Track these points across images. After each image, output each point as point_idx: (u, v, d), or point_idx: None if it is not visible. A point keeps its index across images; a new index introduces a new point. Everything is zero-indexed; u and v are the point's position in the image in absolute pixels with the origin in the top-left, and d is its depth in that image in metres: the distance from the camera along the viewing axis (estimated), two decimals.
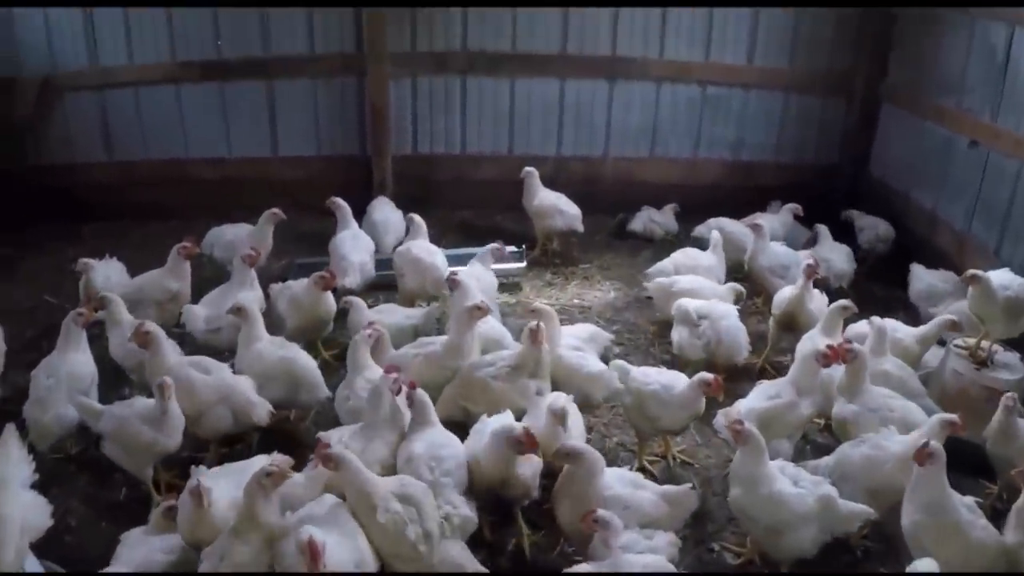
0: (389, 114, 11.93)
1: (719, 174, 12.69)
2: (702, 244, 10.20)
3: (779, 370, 8.31)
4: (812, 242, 10.61)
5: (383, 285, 9.60)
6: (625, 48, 11.97)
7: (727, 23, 11.96)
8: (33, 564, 5.17)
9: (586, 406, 7.05)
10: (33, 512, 5.04)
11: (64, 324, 7.14)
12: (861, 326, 7.76)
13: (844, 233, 10.82)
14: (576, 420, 6.49)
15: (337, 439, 5.92)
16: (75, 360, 7.04)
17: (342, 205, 9.76)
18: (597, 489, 5.58)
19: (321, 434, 6.06)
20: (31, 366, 7.21)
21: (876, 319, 7.53)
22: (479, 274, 8.75)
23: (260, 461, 5.68)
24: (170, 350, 6.87)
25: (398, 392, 6.20)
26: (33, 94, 11.80)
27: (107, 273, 8.81)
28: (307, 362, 7.15)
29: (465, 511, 5.56)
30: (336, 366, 8.13)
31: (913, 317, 8.93)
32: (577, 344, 7.48)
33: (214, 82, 11.92)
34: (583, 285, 10.42)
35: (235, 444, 7.10)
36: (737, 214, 10.87)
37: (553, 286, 10.37)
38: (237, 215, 10.50)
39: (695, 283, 8.92)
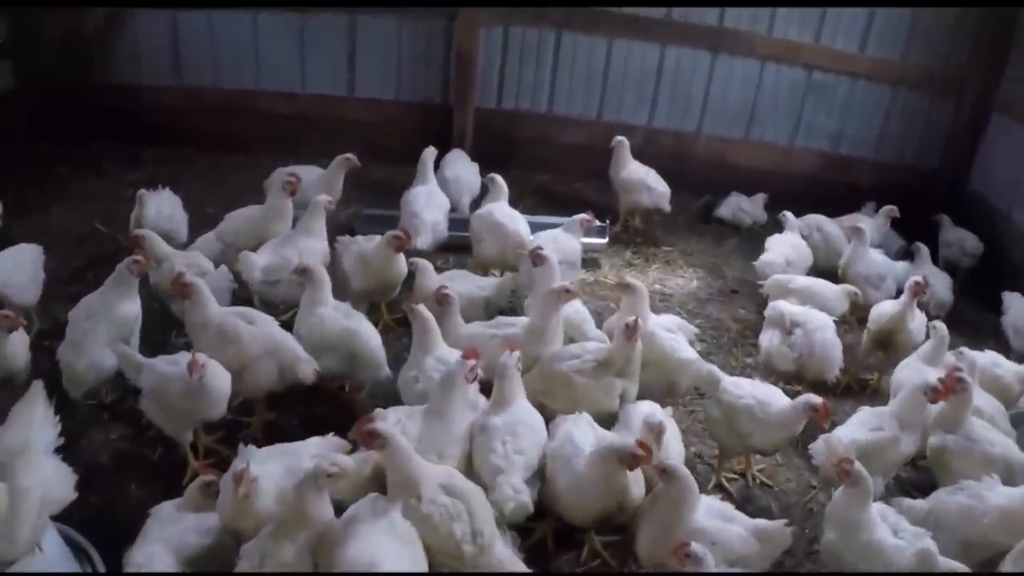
0: (476, 63, 11.25)
1: (815, 165, 11.95)
2: None
3: (864, 388, 7.81)
4: (904, 254, 9.96)
5: (453, 247, 8.97)
6: (733, 20, 11.18)
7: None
8: (52, 536, 4.67)
9: (667, 396, 6.62)
10: (55, 483, 4.54)
11: (118, 269, 6.56)
12: (949, 356, 7.08)
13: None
14: (674, 437, 5.86)
15: (395, 420, 5.34)
16: (120, 306, 6.47)
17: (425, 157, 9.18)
18: (687, 518, 4.98)
19: (378, 411, 5.48)
20: (72, 299, 6.74)
21: (967, 352, 6.87)
22: (561, 240, 8.21)
23: (313, 445, 5.21)
24: (212, 300, 6.31)
25: (473, 380, 5.61)
26: (105, 9, 11.31)
27: (159, 206, 8.23)
28: (371, 338, 6.52)
29: (524, 498, 5.08)
30: (399, 332, 7.59)
31: (1004, 345, 8.32)
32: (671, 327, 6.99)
33: (294, 12, 11.28)
34: (665, 270, 9.72)
35: (282, 411, 6.61)
36: (827, 210, 10.22)
37: (633, 267, 9.69)
38: (305, 153, 9.95)
39: (812, 283, 8.31)
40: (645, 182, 9.98)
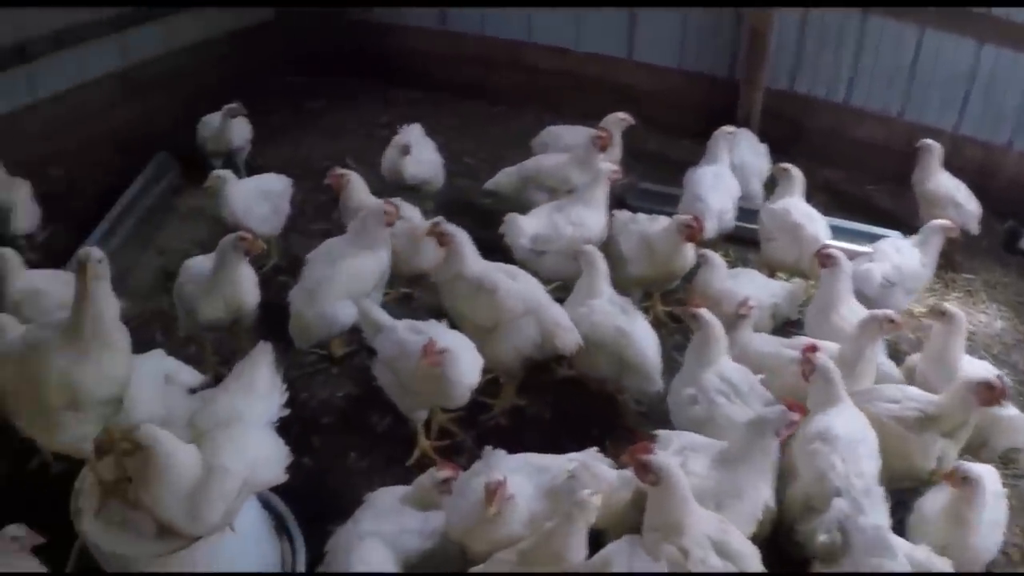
0: (770, 40, 10.11)
1: None
2: None
3: None
4: None
5: (736, 238, 7.92)
6: None
7: None
8: (250, 507, 4.26)
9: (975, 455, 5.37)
10: (265, 464, 4.04)
11: (364, 216, 6.07)
12: None
13: None
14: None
15: (677, 447, 4.43)
16: (364, 257, 5.93)
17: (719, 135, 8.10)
18: None
19: (661, 436, 4.54)
20: (314, 236, 6.79)
21: None
22: (906, 253, 6.96)
23: (570, 460, 4.37)
24: (473, 251, 5.75)
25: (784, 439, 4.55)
26: None
27: (420, 157, 7.64)
28: (646, 344, 5.58)
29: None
30: (671, 328, 6.63)
31: None
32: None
33: None
34: (965, 301, 8.28)
35: (531, 398, 5.94)
36: None
37: (933, 292, 8.31)
38: (570, 113, 9.26)
39: None
40: (953, 197, 8.55)
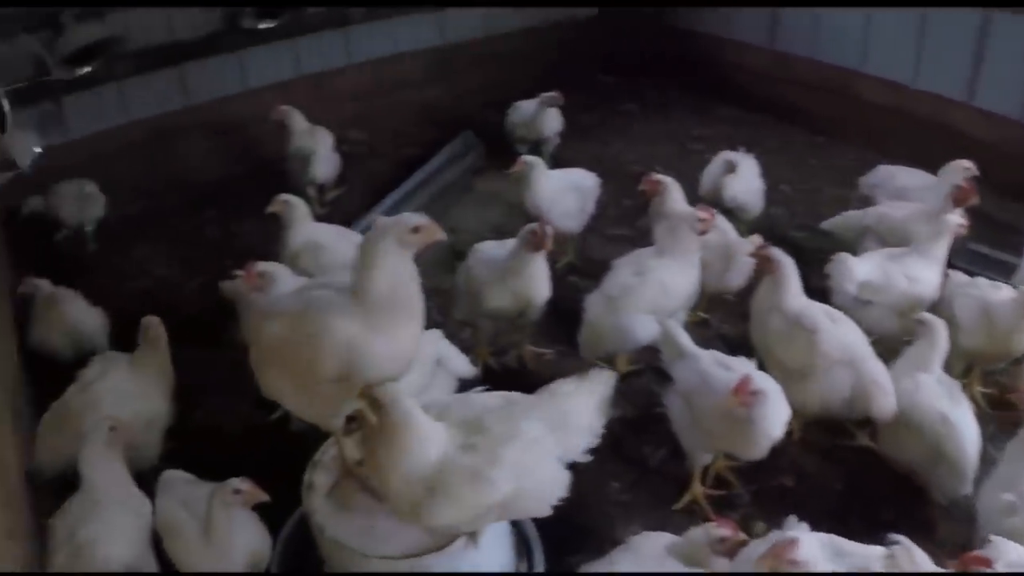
0: None
1: None
2: None
3: None
4: None
5: None
6: None
7: None
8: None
9: None
10: (537, 494, 3.71)
11: (671, 225, 5.67)
12: None
13: None
14: None
15: (1008, 562, 3.68)
16: (676, 271, 5.55)
17: None
18: None
19: (996, 543, 3.76)
20: (613, 241, 6.73)
21: None
22: None
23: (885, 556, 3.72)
24: (796, 284, 5.19)
25: None
26: None
27: (744, 181, 7.24)
28: (968, 438, 4.77)
29: None
30: (989, 415, 5.66)
31: None
32: None
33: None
34: None
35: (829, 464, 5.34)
36: None
37: None
38: (896, 153, 8.54)
39: None
40: None
